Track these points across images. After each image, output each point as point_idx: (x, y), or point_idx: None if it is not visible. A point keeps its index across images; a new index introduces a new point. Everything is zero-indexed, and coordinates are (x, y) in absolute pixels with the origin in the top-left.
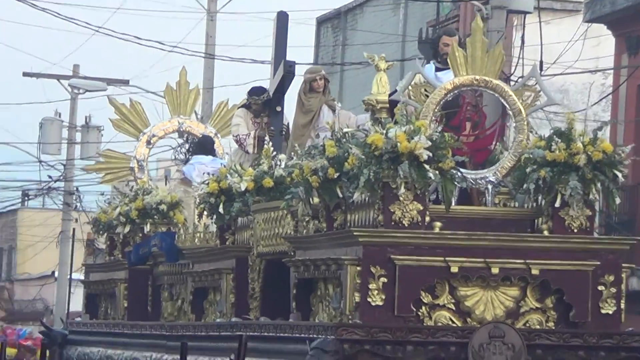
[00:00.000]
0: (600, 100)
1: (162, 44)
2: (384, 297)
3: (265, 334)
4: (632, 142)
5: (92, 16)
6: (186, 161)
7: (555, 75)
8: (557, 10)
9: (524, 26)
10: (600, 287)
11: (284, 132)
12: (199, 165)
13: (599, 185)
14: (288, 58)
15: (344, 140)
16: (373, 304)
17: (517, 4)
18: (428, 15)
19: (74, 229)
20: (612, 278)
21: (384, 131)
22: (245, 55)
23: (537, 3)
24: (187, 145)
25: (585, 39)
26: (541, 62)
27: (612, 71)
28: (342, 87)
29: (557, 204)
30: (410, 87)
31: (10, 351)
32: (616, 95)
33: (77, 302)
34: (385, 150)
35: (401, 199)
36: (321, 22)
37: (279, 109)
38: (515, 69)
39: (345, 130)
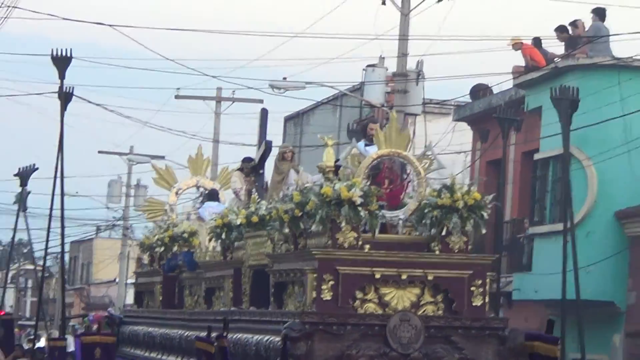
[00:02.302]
0: (464, 170)
1: (185, 133)
2: (331, 294)
3: (253, 318)
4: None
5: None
6: (200, 206)
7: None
8: (436, 113)
9: (415, 123)
10: (472, 288)
11: (264, 187)
12: (209, 209)
13: (472, 221)
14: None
15: (305, 191)
16: (324, 298)
17: (410, 109)
18: (354, 115)
19: (128, 252)
20: (480, 282)
21: (332, 185)
22: (241, 139)
23: (424, 108)
24: (201, 198)
25: (454, 132)
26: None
27: (470, 152)
28: (300, 162)
29: (444, 233)
30: (348, 157)
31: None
32: (473, 167)
33: (129, 299)
34: (333, 197)
35: (343, 229)
36: (287, 119)
37: (261, 171)
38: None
39: (306, 185)
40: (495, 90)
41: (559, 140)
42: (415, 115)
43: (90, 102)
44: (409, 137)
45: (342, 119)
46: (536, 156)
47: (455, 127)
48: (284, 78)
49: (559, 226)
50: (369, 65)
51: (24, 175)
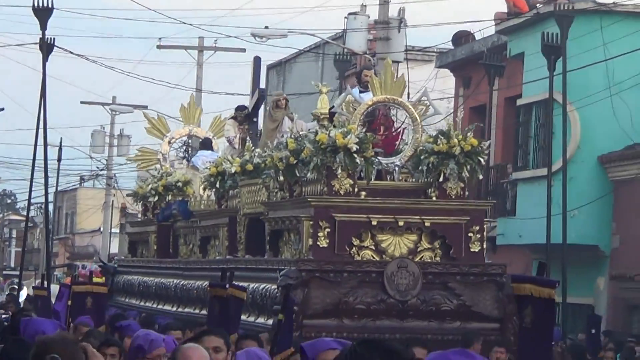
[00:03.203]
0: (447, 116)
1: (169, 83)
2: (328, 241)
3: (249, 266)
4: None
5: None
6: (194, 155)
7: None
8: (418, 60)
9: (397, 70)
10: (469, 234)
11: (257, 135)
12: (203, 157)
13: (468, 167)
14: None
15: (300, 139)
16: (321, 246)
17: (392, 57)
18: (338, 64)
19: (112, 201)
20: (477, 228)
21: (328, 132)
22: (224, 89)
23: (406, 55)
24: (185, 147)
25: (436, 78)
26: (408, 94)
27: (453, 98)
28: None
29: (441, 180)
30: (343, 104)
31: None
32: (456, 113)
33: (114, 248)
34: (328, 144)
35: (339, 176)
36: (270, 68)
37: (255, 119)
38: None
39: (300, 133)
40: (478, 36)
41: (541, 86)
42: (398, 62)
43: (71, 52)
44: (404, 84)
45: (324, 68)
46: (519, 102)
47: (438, 74)
48: (266, 27)
49: (543, 171)
50: (350, 13)
51: None
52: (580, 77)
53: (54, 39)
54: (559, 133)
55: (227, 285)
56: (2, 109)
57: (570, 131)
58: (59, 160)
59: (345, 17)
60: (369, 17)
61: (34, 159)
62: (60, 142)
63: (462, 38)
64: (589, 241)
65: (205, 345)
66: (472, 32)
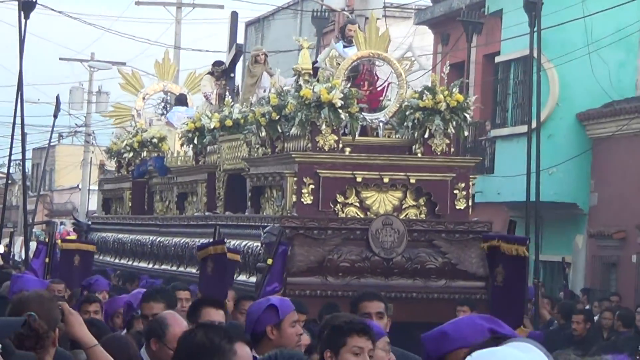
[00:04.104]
0: (426, 72)
1: (149, 40)
2: (312, 198)
3: (230, 222)
4: None
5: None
6: (169, 110)
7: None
8: (397, 17)
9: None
10: (455, 191)
11: (235, 91)
12: (178, 113)
13: (454, 123)
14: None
15: (283, 94)
16: (305, 202)
17: (370, 14)
18: (315, 21)
19: (91, 158)
20: (463, 185)
21: (312, 87)
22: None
23: (384, 12)
24: (163, 104)
25: (415, 35)
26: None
27: (432, 55)
28: None
29: (426, 136)
30: (327, 59)
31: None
32: (434, 70)
33: (92, 205)
34: (312, 100)
35: (323, 132)
36: (248, 24)
37: (232, 75)
38: None
39: (284, 88)
40: None
41: (520, 43)
42: (377, 19)
43: (53, 9)
44: (388, 38)
45: (302, 25)
46: (497, 59)
47: (417, 31)
48: None
49: (521, 128)
50: None
51: None
52: (558, 34)
53: None
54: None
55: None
56: None
57: (548, 89)
58: (55, 116)
59: None
60: None
61: (14, 117)
62: (58, 99)
63: None
64: (567, 199)
65: (145, 313)
66: None
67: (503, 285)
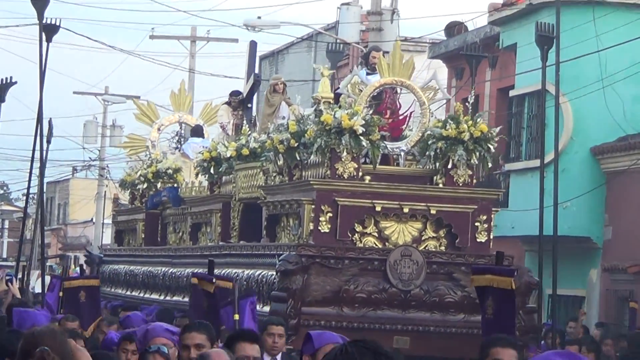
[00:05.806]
0: (441, 106)
1: (168, 64)
2: (329, 226)
3: (244, 252)
4: None
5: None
6: (185, 142)
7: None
8: (411, 51)
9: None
10: (476, 224)
11: (252, 121)
12: (193, 145)
13: (477, 154)
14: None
15: (302, 120)
16: (322, 231)
17: (386, 46)
18: (330, 56)
19: (105, 191)
20: (485, 217)
21: (333, 113)
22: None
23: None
24: (177, 137)
25: (429, 69)
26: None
27: (445, 89)
28: None
29: (449, 166)
30: (349, 85)
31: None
32: (449, 104)
33: (106, 238)
34: (333, 126)
35: (343, 159)
36: (262, 58)
37: (250, 105)
38: None
39: (303, 115)
40: (470, 27)
41: (534, 77)
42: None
43: (75, 32)
44: (412, 66)
45: (316, 58)
46: (511, 93)
47: (430, 65)
48: (259, 17)
49: (536, 162)
50: (343, 4)
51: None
52: (572, 68)
53: (60, 20)
54: (551, 124)
55: (214, 280)
56: (15, 82)
57: (562, 123)
58: (49, 142)
59: (338, 8)
60: (361, 7)
61: (33, 150)
62: (50, 123)
63: (454, 28)
64: (581, 233)
65: (186, 343)
66: (464, 22)
67: (493, 319)
